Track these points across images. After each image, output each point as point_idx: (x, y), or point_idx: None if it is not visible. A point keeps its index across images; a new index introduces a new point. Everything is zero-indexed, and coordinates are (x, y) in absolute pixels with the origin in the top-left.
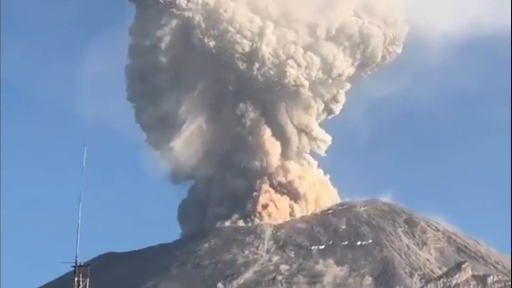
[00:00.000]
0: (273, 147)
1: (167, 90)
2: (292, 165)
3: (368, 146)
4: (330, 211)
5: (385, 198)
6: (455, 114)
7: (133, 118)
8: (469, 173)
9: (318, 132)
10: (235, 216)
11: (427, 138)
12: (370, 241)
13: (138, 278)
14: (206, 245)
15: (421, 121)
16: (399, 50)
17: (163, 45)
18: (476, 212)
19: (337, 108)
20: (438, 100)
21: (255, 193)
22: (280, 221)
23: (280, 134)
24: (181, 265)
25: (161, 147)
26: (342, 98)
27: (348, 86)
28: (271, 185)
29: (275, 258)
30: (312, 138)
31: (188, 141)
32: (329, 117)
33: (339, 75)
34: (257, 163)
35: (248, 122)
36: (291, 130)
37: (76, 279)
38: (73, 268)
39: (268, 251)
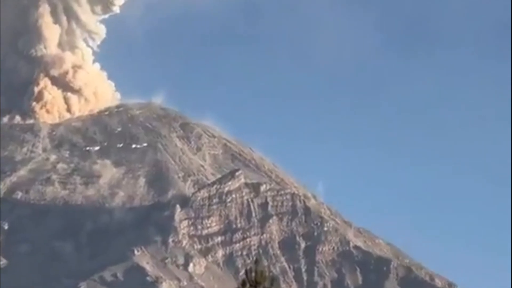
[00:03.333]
0: (52, 33)
1: None
2: (68, 55)
3: (143, 46)
4: (106, 112)
5: (158, 100)
6: (238, 22)
7: None
8: (252, 81)
9: (94, 24)
10: (13, 112)
11: (206, 39)
12: (145, 144)
13: None
14: None
15: (201, 25)
16: None
17: None
18: (249, 120)
19: (116, 7)
20: (221, 5)
21: (34, 88)
22: (57, 117)
23: (58, 21)
24: None
25: None
26: None
27: None
28: (49, 77)
29: (53, 157)
30: (86, 30)
31: None
32: (108, 15)
33: None
34: (37, 51)
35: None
36: (65, 20)
37: None
38: None
39: (44, 149)
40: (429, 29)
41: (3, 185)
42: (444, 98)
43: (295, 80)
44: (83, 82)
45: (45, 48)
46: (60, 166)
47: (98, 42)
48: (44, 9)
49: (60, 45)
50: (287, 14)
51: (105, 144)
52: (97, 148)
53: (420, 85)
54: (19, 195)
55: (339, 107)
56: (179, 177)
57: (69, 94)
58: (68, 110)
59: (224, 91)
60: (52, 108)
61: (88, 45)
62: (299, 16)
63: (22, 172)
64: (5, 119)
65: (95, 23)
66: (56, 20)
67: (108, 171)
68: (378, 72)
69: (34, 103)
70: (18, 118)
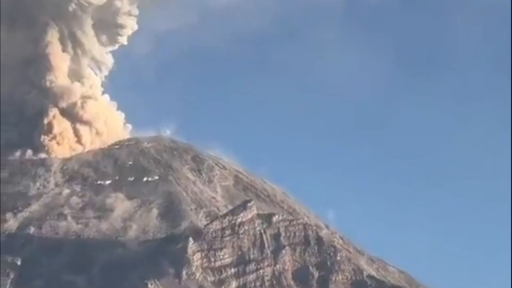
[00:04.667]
0: (61, 62)
1: None
2: (77, 86)
3: (152, 78)
4: (117, 146)
5: (168, 132)
6: (249, 53)
7: None
8: (260, 111)
9: (100, 54)
10: (25, 146)
11: (216, 74)
12: (157, 177)
13: None
14: None
15: (210, 58)
16: None
17: None
18: (258, 149)
19: (123, 38)
20: (228, 38)
21: (44, 120)
22: (68, 150)
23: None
24: None
25: None
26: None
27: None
28: (58, 108)
29: (65, 192)
30: (93, 59)
31: None
32: (117, 46)
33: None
34: (46, 82)
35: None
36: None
37: None
38: None
39: (56, 184)
40: (441, 52)
41: (16, 220)
42: (459, 122)
43: (305, 107)
44: (93, 113)
45: (55, 77)
46: (73, 200)
47: (106, 73)
48: (53, 36)
49: (69, 75)
50: (294, 40)
51: (117, 177)
52: (108, 181)
53: (434, 109)
54: (31, 230)
55: (349, 133)
56: (191, 209)
57: (79, 125)
58: (79, 142)
59: (233, 121)
60: (63, 140)
61: (96, 75)
62: (307, 42)
63: (34, 207)
64: (17, 154)
65: (101, 53)
66: (65, 49)
67: (121, 204)
68: (390, 97)
69: (44, 137)
70: (29, 153)
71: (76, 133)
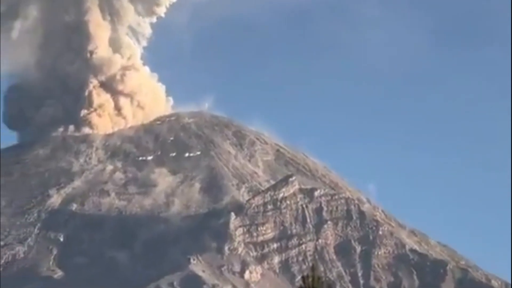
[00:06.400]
0: (101, 31)
1: None
2: (117, 57)
3: (192, 51)
4: (158, 122)
5: (207, 105)
6: (286, 26)
7: None
8: (301, 85)
9: (138, 24)
10: (68, 122)
11: (255, 46)
12: (198, 152)
13: None
14: (35, 153)
15: (249, 29)
16: None
17: None
18: (299, 123)
19: (160, 9)
20: (269, 9)
21: (85, 93)
22: (108, 123)
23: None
24: (7, 174)
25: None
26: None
27: None
28: (99, 80)
29: (109, 168)
30: (131, 29)
31: (26, 31)
32: (154, 19)
33: None
34: (87, 52)
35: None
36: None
37: None
38: None
39: (99, 160)
40: (479, 26)
41: (59, 197)
42: (500, 95)
43: (345, 82)
44: (135, 85)
45: (95, 47)
46: (116, 176)
47: (145, 44)
48: (93, 2)
49: (109, 44)
50: (336, 15)
51: (159, 153)
52: (150, 157)
53: (474, 83)
54: (74, 206)
55: (391, 107)
56: (233, 185)
57: (120, 97)
58: (120, 114)
59: (272, 95)
60: (103, 113)
61: (135, 45)
62: (348, 17)
63: (77, 183)
64: (60, 129)
65: (138, 22)
66: (104, 16)
67: (164, 180)
68: (430, 71)
69: (86, 111)
70: (72, 128)
71: (117, 105)
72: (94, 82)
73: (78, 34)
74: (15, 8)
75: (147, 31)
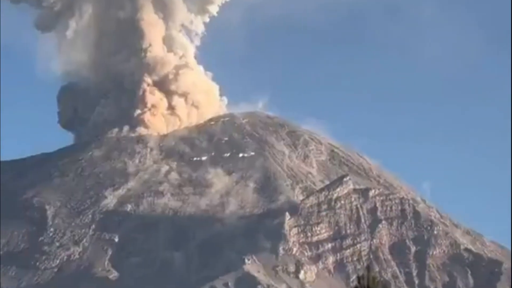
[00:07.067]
0: (154, 29)
1: None
2: (171, 56)
3: (245, 49)
4: (212, 122)
5: (261, 104)
6: (340, 26)
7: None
8: (354, 84)
9: (190, 22)
10: (122, 122)
11: (308, 45)
12: (252, 153)
13: (19, 188)
14: (90, 154)
15: (303, 28)
16: None
17: None
18: (357, 125)
19: (213, 7)
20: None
21: (139, 92)
22: (162, 122)
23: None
24: (62, 174)
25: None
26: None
27: None
28: (153, 80)
29: (164, 168)
30: (184, 27)
31: (81, 30)
32: (207, 18)
33: None
34: (141, 51)
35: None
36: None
37: None
38: None
39: (154, 161)
40: None
41: (114, 197)
42: None
43: (399, 81)
44: (189, 84)
45: (149, 45)
46: (171, 176)
47: (198, 43)
48: (145, 0)
49: (162, 42)
50: (390, 15)
51: (213, 153)
52: (205, 157)
53: None
54: (128, 207)
55: (445, 107)
56: (287, 185)
57: (174, 96)
58: (174, 113)
59: (326, 94)
60: (157, 111)
61: (189, 44)
62: (402, 17)
63: (132, 184)
64: (115, 130)
65: (190, 20)
66: (156, 13)
67: (219, 180)
68: (486, 73)
69: (139, 111)
70: (126, 129)
71: (170, 105)
72: (148, 81)
73: (132, 32)
74: (70, 6)
75: (200, 29)
